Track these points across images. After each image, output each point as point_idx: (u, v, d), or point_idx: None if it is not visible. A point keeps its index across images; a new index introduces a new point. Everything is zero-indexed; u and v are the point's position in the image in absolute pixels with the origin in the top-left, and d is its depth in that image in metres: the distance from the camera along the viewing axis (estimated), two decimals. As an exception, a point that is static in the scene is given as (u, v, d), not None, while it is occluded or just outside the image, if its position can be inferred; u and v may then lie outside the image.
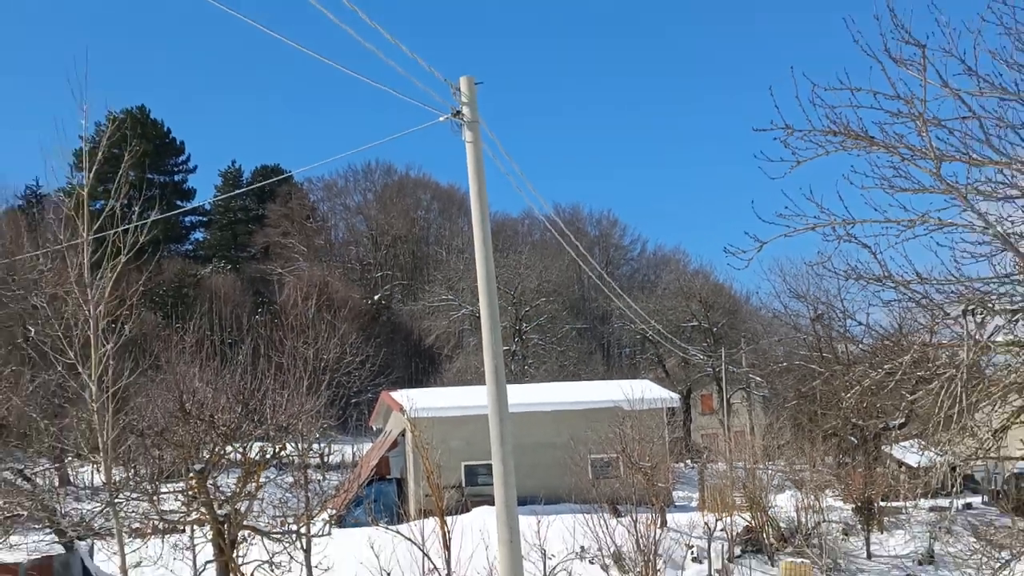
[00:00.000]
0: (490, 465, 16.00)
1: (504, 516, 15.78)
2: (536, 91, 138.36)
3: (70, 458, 34.35)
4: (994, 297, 9.46)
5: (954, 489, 38.13)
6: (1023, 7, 8.91)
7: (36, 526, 26.46)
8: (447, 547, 20.72)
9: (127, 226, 21.50)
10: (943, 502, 39.95)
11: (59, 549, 33.39)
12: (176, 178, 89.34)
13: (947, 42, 9.14)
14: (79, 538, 34.32)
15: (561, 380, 59.67)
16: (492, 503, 16.50)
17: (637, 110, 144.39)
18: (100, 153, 22.92)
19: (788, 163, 9.66)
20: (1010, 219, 9.40)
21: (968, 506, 40.13)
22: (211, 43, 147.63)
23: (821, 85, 9.40)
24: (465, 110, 15.92)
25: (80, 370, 20.42)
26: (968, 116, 9.20)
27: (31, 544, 30.65)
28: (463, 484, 39.97)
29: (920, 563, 34.64)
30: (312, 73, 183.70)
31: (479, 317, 16.58)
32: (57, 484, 41.41)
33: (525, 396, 40.68)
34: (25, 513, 17.06)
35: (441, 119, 16.04)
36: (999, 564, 11.53)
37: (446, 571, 20.28)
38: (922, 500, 41.06)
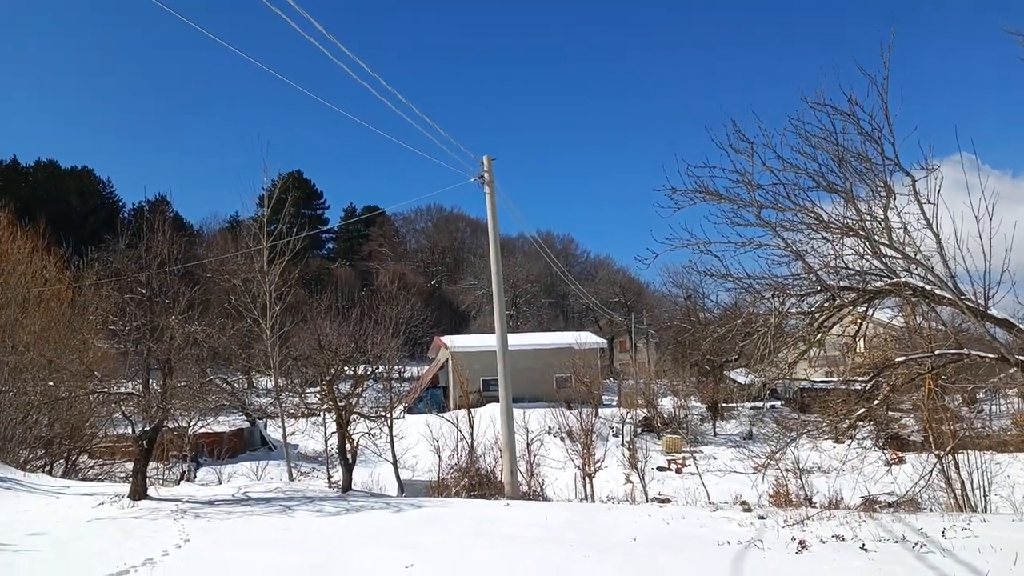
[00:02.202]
0: (496, 379, 16.09)
1: (504, 408, 15.87)
2: (524, 150, 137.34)
3: (254, 372, 34.44)
4: (790, 287, 9.48)
5: (765, 397, 38.47)
6: (811, 122, 8.95)
7: (234, 411, 26.54)
8: (471, 425, 20.79)
9: (288, 240, 21.50)
10: (758, 404, 40.12)
11: (247, 424, 33.54)
12: (317, 212, 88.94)
13: (766, 140, 9.16)
14: (259, 418, 34.47)
15: (539, 332, 59.70)
16: (497, 401, 16.60)
17: (587, 172, 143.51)
18: (273, 197, 22.96)
19: (672, 209, 9.69)
20: (800, 242, 9.44)
21: (772, 407, 40.33)
22: (338, 131, 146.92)
23: (692, 164, 9.49)
24: (486, 175, 15.94)
25: (260, 321, 20.45)
26: (777, 183, 9.24)
27: (231, 421, 30.78)
28: (481, 390, 40.03)
29: (744, 439, 34.78)
30: (398, 149, 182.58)
31: (492, 294, 16.61)
32: (246, 387, 41.54)
33: (517, 340, 40.65)
34: (227, 404, 17.13)
35: (472, 180, 16.08)
36: (789, 439, 11.53)
37: (470, 439, 20.33)
38: (746, 402, 41.17)
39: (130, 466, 13.97)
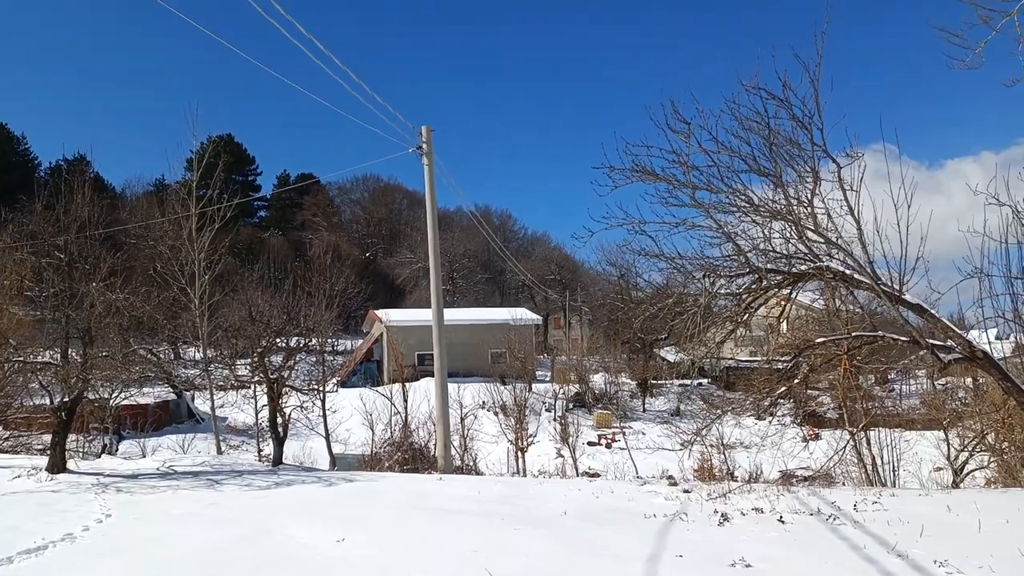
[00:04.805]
0: (432, 354, 16.05)
1: (439, 382, 15.86)
2: (461, 124, 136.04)
3: (181, 343, 33.36)
4: (720, 268, 9.67)
5: (693, 375, 39.54)
6: (745, 105, 9.10)
7: (159, 383, 25.70)
8: (405, 400, 20.74)
9: (218, 206, 20.81)
10: (686, 382, 41.17)
11: (172, 396, 32.59)
12: (249, 178, 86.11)
13: (702, 121, 9.24)
14: (185, 390, 33.53)
15: (475, 307, 59.74)
16: (432, 375, 16.58)
17: (526, 147, 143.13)
18: (203, 161, 22.15)
19: (609, 187, 9.73)
20: (731, 224, 9.59)
21: (700, 384, 41.47)
22: (272, 93, 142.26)
23: (631, 143, 9.52)
24: (424, 146, 15.74)
25: (188, 290, 19.81)
26: (712, 165, 9.35)
27: (155, 393, 29.83)
28: (416, 364, 39.90)
29: (672, 415, 35.68)
30: (334, 115, 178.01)
31: (429, 268, 16.48)
32: (173, 358, 40.25)
33: (453, 315, 40.48)
34: (153, 375, 16.59)
35: (410, 151, 15.86)
36: (715, 416, 11.88)
37: (404, 414, 20.29)
38: (675, 380, 42.22)
39: (48, 438, 13.43)
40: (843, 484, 12.02)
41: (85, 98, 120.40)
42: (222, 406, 22.34)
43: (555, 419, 31.07)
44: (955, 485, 12.67)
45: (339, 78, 12.93)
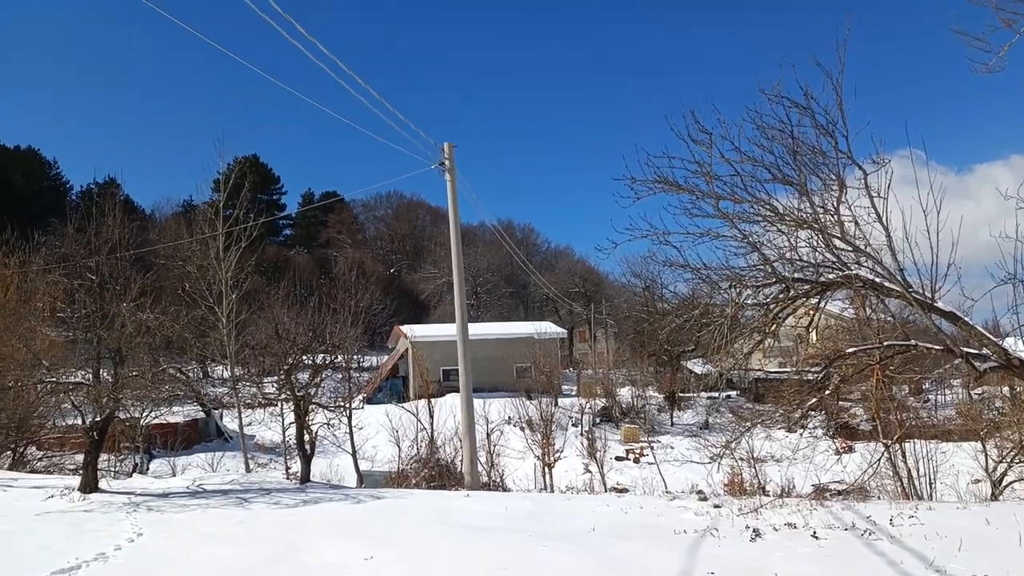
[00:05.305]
0: (457, 369, 16.06)
1: (465, 399, 15.86)
2: (486, 138, 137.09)
3: (209, 361, 33.80)
4: (747, 278, 9.60)
5: (721, 387, 39.15)
6: (766, 113, 9.07)
7: (188, 401, 26.02)
8: (431, 416, 20.75)
9: (245, 226, 21.11)
10: (714, 394, 40.77)
11: (201, 415, 32.96)
12: (274, 198, 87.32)
13: (724, 131, 9.22)
14: (214, 408, 33.89)
15: (499, 321, 59.76)
16: (458, 391, 16.58)
17: (546, 161, 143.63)
18: (230, 182, 22.50)
19: (632, 199, 9.72)
20: (756, 234, 9.53)
21: (728, 396, 41.08)
22: (296, 114, 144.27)
23: (652, 154, 9.50)
24: (446, 162, 15.85)
25: (216, 309, 20.07)
26: (735, 174, 9.30)
27: (185, 411, 30.18)
28: (441, 380, 39.96)
29: (700, 428, 35.33)
30: (357, 134, 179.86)
31: (453, 284, 16.54)
32: (201, 376, 40.74)
33: (478, 330, 40.55)
34: (182, 394, 16.82)
35: (432, 167, 15.97)
36: (744, 429, 11.74)
37: (430, 430, 20.31)
38: (703, 392, 41.81)
39: (80, 458, 13.63)
40: (878, 498, 11.79)
41: (114, 122, 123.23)
42: (250, 424, 22.58)
43: (582, 434, 30.91)
44: (994, 497, 12.36)
45: (361, 96, 13.08)
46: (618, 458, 29.44)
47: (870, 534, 7.26)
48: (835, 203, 8.91)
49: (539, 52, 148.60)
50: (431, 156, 15.92)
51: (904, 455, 12.87)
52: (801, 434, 19.08)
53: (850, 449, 20.55)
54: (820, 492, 13.33)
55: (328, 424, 16.22)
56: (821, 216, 9.00)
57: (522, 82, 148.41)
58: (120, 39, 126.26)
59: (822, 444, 16.69)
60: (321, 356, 17.77)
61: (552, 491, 18.65)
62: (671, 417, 38.95)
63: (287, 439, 19.44)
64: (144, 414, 17.81)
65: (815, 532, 7.52)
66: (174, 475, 18.69)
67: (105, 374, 12.40)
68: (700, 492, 11.50)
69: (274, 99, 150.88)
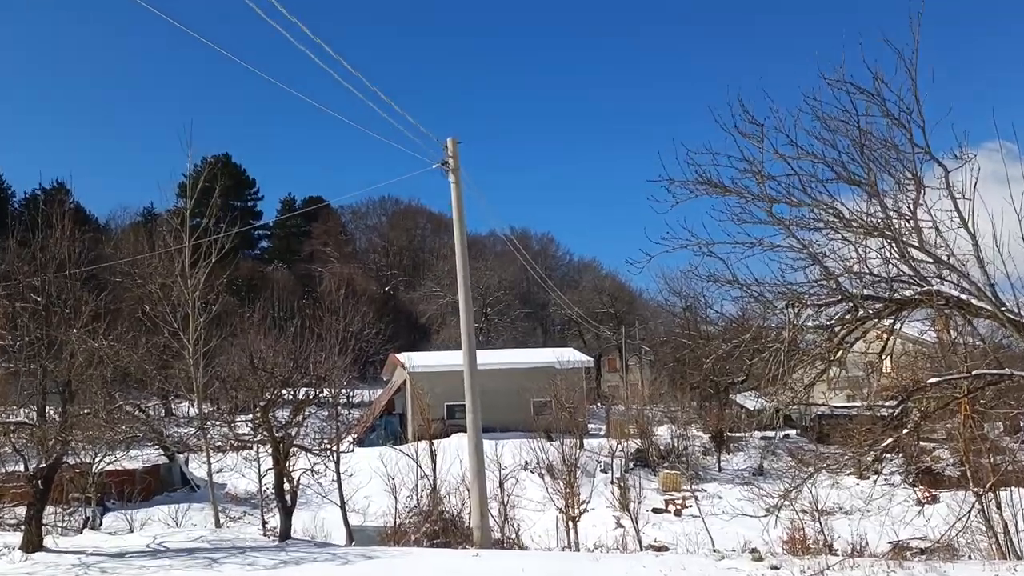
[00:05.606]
0: (464, 405, 16.06)
1: (473, 440, 15.84)
2: (497, 140, 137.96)
3: (172, 397, 34.04)
4: (806, 296, 9.56)
5: (777, 425, 38.85)
6: (827, 102, 9.05)
7: (148, 444, 26.15)
8: (433, 460, 20.74)
9: (215, 237, 21.33)
10: (770, 434, 40.47)
11: (164, 460, 33.06)
12: (249, 204, 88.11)
13: (777, 123, 9.23)
14: (178, 452, 34.02)
15: (513, 347, 59.76)
16: (465, 431, 16.57)
17: (570, 161, 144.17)
18: (198, 186, 22.78)
19: (669, 203, 9.72)
20: (818, 243, 9.50)
21: (787, 436, 40.72)
22: (273, 107, 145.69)
23: (693, 151, 9.47)
24: (450, 161, 15.96)
25: (181, 336, 20.24)
26: (791, 173, 9.28)
27: (144, 456, 30.31)
28: (445, 417, 39.87)
29: (754, 474, 35.02)
30: (346, 129, 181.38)
31: (458, 303, 16.59)
32: (163, 415, 41.01)
33: (488, 358, 40.63)
34: (141, 435, 16.92)
35: (434, 167, 16.08)
36: (806, 475, 11.64)
37: (432, 477, 20.28)
38: (756, 432, 41.52)
39: (22, 511, 13.72)
40: (969, 557, 11.66)
41: (63, 121, 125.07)
42: (220, 471, 22.65)
43: (612, 481, 30.70)
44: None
45: (350, 85, 13.21)
46: (656, 510, 29.26)
47: (959, 601, 7.18)
48: (911, 206, 8.88)
49: (558, 36, 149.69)
50: (432, 155, 16.02)
51: (999, 506, 12.71)
52: (875, 481, 18.89)
53: (934, 499, 20.33)
54: (899, 551, 13.18)
55: (312, 470, 16.25)
56: (895, 221, 8.97)
57: (536, 71, 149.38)
58: (59, 15, 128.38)
59: (900, 493, 16.50)
60: (304, 390, 17.84)
61: (577, 549, 18.55)
62: (718, 461, 38.65)
63: (264, 488, 19.47)
64: (97, 459, 17.93)
65: (893, 599, 7.44)
66: (132, 531, 18.78)
67: (52, 412, 12.50)
68: (754, 551, 11.42)
69: (248, 90, 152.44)
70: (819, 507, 15.48)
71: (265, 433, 14.85)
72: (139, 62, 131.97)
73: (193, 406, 23.34)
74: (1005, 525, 12.53)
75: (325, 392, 19.07)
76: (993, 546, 12.41)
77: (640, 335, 62.86)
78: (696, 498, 27.91)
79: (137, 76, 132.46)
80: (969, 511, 12.53)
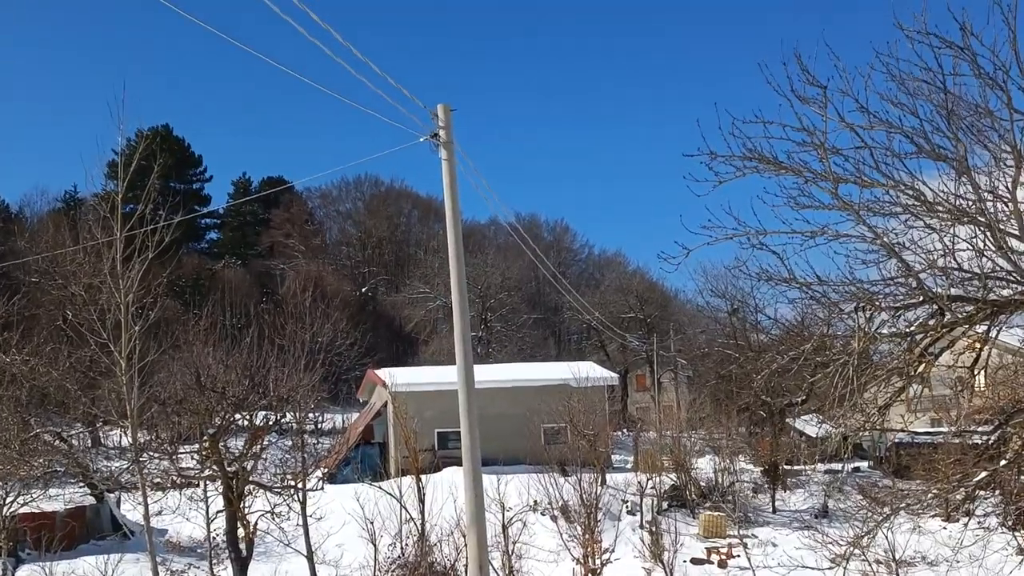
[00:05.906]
0: (459, 432, 16.05)
1: (470, 475, 15.82)
2: (498, 110, 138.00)
3: (101, 423, 34.09)
4: (880, 296, 9.53)
5: (845, 455, 38.71)
6: (905, 58, 9.00)
7: (71, 480, 26.23)
8: (421, 500, 20.78)
9: (153, 227, 21.37)
10: (836, 466, 40.40)
11: (91, 500, 33.13)
12: (195, 186, 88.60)
13: (844, 84, 9.17)
14: (108, 491, 34.09)
15: (519, 361, 59.72)
16: (460, 463, 16.55)
17: (587, 132, 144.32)
18: (132, 164, 22.82)
19: (711, 183, 9.67)
20: (894, 231, 9.46)
21: (857, 469, 40.64)
22: (222, 69, 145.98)
23: (739, 119, 9.39)
24: (441, 133, 15.91)
25: (111, 348, 20.25)
26: (861, 146, 9.23)
27: (67, 495, 30.41)
28: (435, 447, 39.91)
29: (816, 516, 34.97)
30: (312, 95, 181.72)
31: (451, 308, 16.57)
32: (89, 445, 41.07)
33: (489, 374, 40.63)
34: (62, 469, 16.98)
35: (421, 140, 16.02)
36: (882, 518, 11.63)
37: (420, 520, 20.30)
38: (819, 464, 41.50)
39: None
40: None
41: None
42: (160, 513, 22.67)
43: (642, 525, 30.70)
44: None
45: (318, 40, 13.18)
46: (695, 560, 29.24)
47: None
48: (1010, 185, 8.85)
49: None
50: (420, 127, 16.00)
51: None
52: (966, 524, 18.86)
53: (1039, 547, 20.27)
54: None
55: (273, 513, 16.29)
56: (989, 204, 8.94)
57: (547, 32, 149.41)
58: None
59: (997, 539, 16.47)
60: (262, 414, 17.89)
61: (599, 610, 18.54)
62: (772, 500, 38.58)
63: (213, 535, 19.49)
64: (8, 499, 17.98)
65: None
66: (51, 588, 18.81)
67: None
68: (817, 611, 11.41)
69: (191, 46, 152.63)
70: (897, 556, 15.47)
71: (215, 467, 14.89)
72: (53, 10, 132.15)
73: (126, 434, 23.36)
74: None
75: (288, 417, 19.12)
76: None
77: (676, 346, 62.80)
78: (745, 546, 27.90)
79: (51, 29, 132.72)
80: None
